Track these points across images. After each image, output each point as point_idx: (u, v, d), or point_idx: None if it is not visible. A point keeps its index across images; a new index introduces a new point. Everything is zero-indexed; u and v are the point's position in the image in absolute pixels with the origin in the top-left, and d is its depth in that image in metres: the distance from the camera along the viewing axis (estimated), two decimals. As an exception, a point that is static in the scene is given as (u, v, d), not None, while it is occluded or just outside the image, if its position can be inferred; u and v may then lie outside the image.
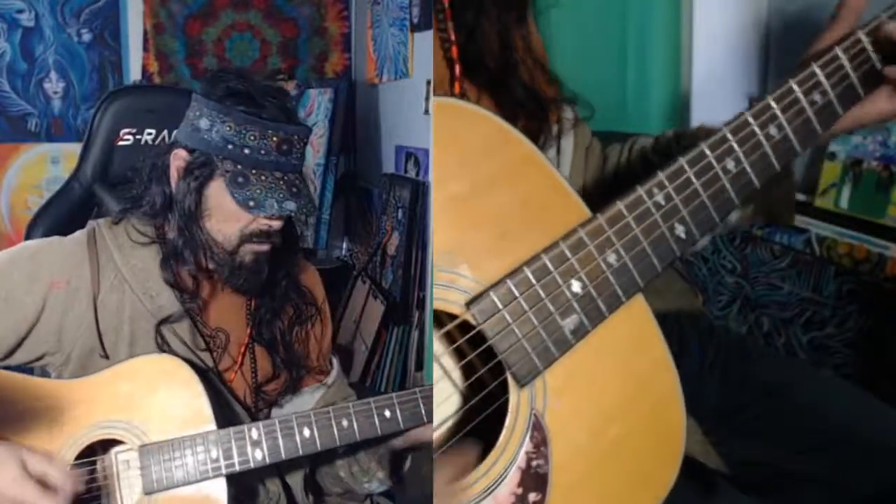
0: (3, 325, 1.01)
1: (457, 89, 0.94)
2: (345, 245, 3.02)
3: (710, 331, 1.16)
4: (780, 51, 1.87)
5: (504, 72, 0.98)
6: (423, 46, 2.36)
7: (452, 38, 0.94)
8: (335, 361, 1.24)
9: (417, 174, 2.41)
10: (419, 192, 2.32)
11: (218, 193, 1.03)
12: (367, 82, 2.91)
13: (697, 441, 1.03)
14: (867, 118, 0.91)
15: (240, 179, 1.01)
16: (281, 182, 1.02)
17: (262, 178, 1.01)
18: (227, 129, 1.01)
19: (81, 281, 1.04)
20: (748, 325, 1.73)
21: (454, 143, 0.73)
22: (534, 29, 1.03)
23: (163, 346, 1.05)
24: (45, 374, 1.11)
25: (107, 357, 1.03)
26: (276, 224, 1.05)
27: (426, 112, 2.32)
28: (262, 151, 1.01)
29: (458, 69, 0.93)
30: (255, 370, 1.13)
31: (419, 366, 2.32)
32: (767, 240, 1.66)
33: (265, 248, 1.07)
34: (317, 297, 1.22)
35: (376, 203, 2.68)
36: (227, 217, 1.04)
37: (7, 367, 1.02)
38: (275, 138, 1.01)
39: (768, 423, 1.04)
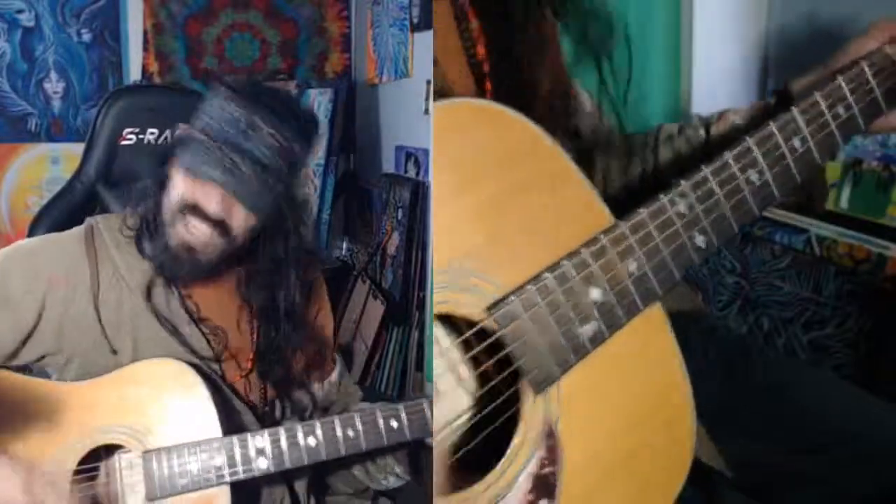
0: (3, 326, 1.00)
1: None
2: (345, 245, 3.02)
3: (710, 331, 1.16)
4: (780, 63, 1.87)
5: (528, 88, 0.95)
6: (423, 46, 2.36)
7: (483, 56, 0.91)
8: (338, 358, 1.24)
9: (417, 174, 2.41)
10: (419, 192, 2.32)
11: (173, 166, 1.03)
12: (367, 82, 2.91)
13: (702, 442, 1.03)
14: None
15: (188, 142, 1.00)
16: (219, 153, 0.99)
17: (209, 147, 0.99)
18: (223, 106, 1.01)
19: (80, 278, 1.03)
20: (748, 325, 1.73)
21: (483, 146, 0.72)
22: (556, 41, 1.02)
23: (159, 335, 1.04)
24: (43, 374, 1.11)
25: (115, 353, 1.03)
26: (211, 206, 1.00)
27: (426, 112, 2.32)
28: (224, 124, 1.00)
29: (488, 86, 0.91)
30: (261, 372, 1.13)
31: (419, 366, 2.32)
32: (767, 240, 1.66)
33: (191, 239, 1.02)
34: (318, 293, 1.22)
35: (376, 203, 2.68)
36: (173, 186, 1.03)
37: (5, 367, 1.02)
38: (235, 112, 1.00)
39: (768, 423, 1.04)
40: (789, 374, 1.09)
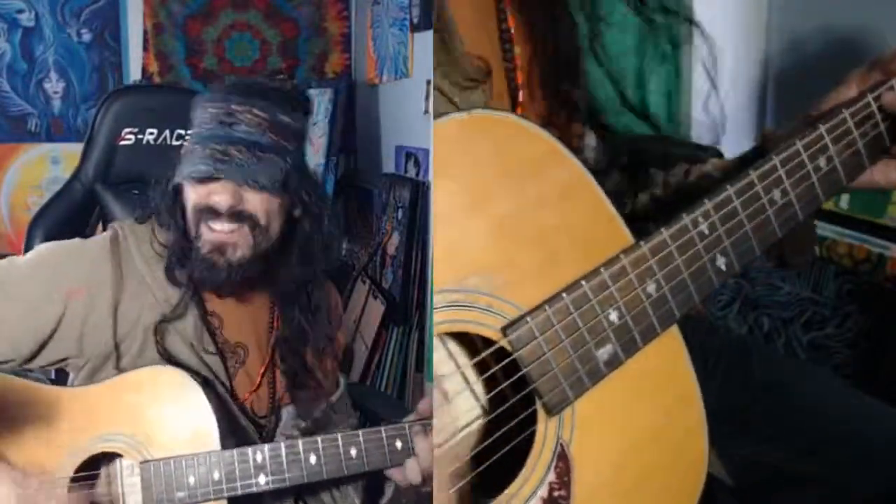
0: (24, 331, 1.00)
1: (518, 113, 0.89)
2: (345, 245, 3.02)
3: (711, 331, 1.16)
4: (781, 88, 1.86)
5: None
6: (423, 46, 2.36)
7: (517, 63, 0.89)
8: (342, 380, 1.21)
9: (417, 174, 2.41)
10: (419, 192, 2.32)
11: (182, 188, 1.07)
12: (367, 82, 2.91)
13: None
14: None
15: (183, 158, 1.04)
16: (207, 150, 1.01)
17: (196, 149, 1.02)
18: (201, 110, 1.05)
19: (103, 287, 1.03)
20: (748, 325, 1.73)
21: (502, 160, 0.70)
22: None
23: (165, 353, 1.03)
24: (61, 373, 1.10)
25: (119, 366, 1.02)
26: (219, 199, 1.01)
27: (426, 112, 2.32)
28: (205, 125, 1.03)
29: (521, 95, 0.89)
30: (273, 393, 1.11)
31: (419, 366, 2.32)
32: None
33: (219, 237, 1.03)
34: (335, 318, 1.21)
35: (376, 203, 2.68)
36: (187, 204, 1.05)
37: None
38: (211, 110, 1.02)
39: (768, 423, 1.04)
40: (789, 373, 1.09)
